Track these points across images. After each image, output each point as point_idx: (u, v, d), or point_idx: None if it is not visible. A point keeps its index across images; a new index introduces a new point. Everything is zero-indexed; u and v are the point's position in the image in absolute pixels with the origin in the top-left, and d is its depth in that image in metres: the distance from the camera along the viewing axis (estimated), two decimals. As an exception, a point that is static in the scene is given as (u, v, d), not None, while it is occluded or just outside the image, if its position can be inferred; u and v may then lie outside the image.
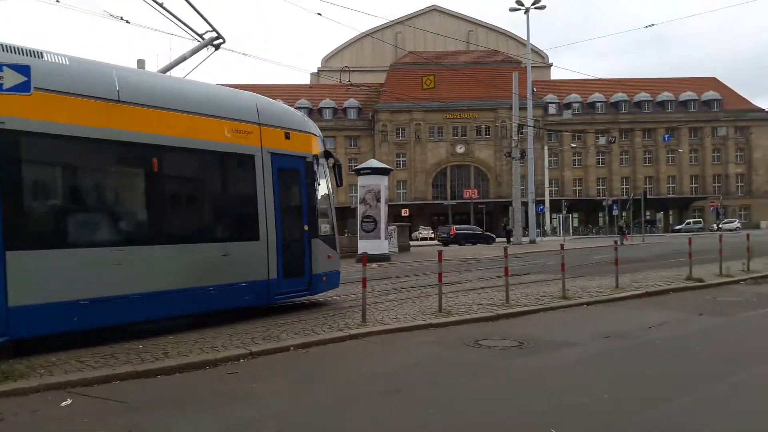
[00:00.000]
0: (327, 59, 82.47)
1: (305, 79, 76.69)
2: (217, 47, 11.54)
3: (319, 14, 19.23)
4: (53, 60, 7.46)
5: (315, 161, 10.72)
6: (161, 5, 10.71)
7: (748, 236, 17.19)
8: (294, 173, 10.36)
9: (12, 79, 6.35)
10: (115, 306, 7.64)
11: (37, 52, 7.37)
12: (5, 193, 6.80)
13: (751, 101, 76.07)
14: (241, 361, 6.87)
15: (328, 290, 11.08)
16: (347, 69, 14.23)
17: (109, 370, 6.27)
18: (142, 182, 8.42)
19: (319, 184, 10.85)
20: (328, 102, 70.75)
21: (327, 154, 11.36)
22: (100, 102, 7.69)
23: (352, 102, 70.42)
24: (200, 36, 11.39)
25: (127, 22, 14.18)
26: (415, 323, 8.88)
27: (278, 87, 67.01)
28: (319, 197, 10.90)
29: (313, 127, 11.12)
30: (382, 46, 72.76)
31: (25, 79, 6.37)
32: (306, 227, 10.40)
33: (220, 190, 9.67)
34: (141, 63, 13.24)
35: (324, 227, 10.99)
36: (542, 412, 5.00)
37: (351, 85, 21.19)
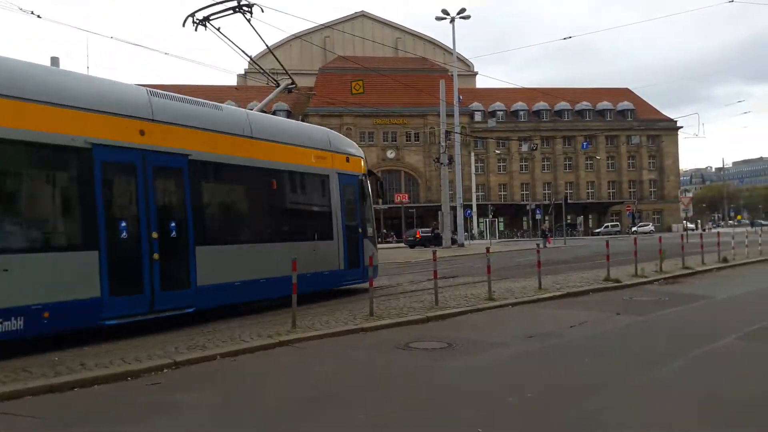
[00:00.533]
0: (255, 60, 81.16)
1: (232, 81, 75.30)
2: (290, 90, 15.34)
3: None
4: (220, 111, 10.84)
5: (364, 178, 13.96)
6: (262, 69, 14.44)
7: (660, 239, 18.26)
8: (352, 188, 13.53)
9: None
10: (253, 287, 10.59)
11: (219, 105, 11.08)
12: (197, 210, 9.79)
13: (662, 111, 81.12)
14: (165, 371, 6.63)
15: (374, 277, 11.60)
16: (275, 71, 14.06)
17: (21, 384, 5.89)
18: (266, 197, 11.38)
19: (366, 197, 14.01)
20: (256, 104, 69.64)
21: (369, 173, 14.48)
22: (244, 138, 10.77)
23: (281, 105, 69.51)
24: (276, 82, 15.00)
25: (39, 17, 13.52)
26: (346, 328, 8.87)
27: (203, 88, 65.26)
28: (366, 207, 14.03)
29: (361, 151, 14.36)
30: (311, 49, 72.49)
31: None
32: (360, 230, 13.63)
33: (310, 202, 12.75)
34: (55, 61, 12.65)
35: (369, 230, 14.04)
36: (470, 413, 5.11)
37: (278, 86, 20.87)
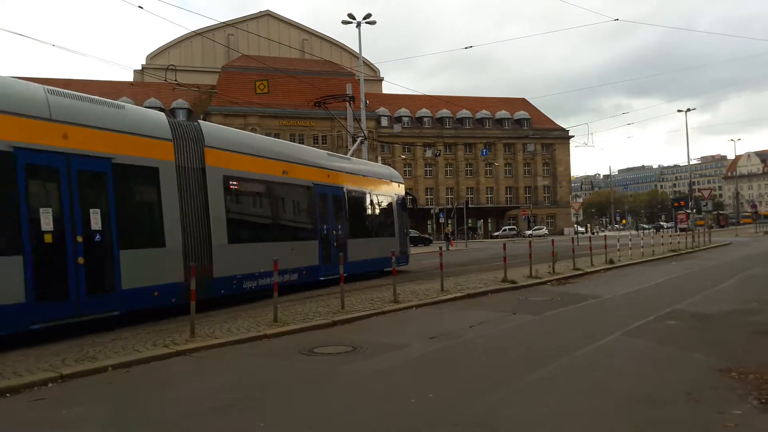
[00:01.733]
0: (152, 57, 77.68)
1: (128, 76, 71.62)
2: (362, 142, 25.75)
3: (141, 7, 17.92)
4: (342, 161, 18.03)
5: (405, 196, 22.30)
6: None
7: (553, 242, 19.31)
8: (402, 204, 21.51)
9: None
10: (355, 264, 17.19)
11: (332, 155, 17.58)
12: (323, 214, 15.97)
13: (555, 121, 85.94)
14: (50, 385, 6.19)
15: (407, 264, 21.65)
16: (174, 68, 13.54)
17: None
18: (366, 209, 19.01)
19: (406, 209, 22.06)
20: (154, 101, 66.50)
21: (407, 193, 23.26)
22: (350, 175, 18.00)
23: (180, 103, 66.99)
24: (353, 137, 24.04)
25: None
26: (249, 335, 8.68)
27: (96, 83, 61.71)
28: (406, 216, 22.13)
29: (401, 178, 22.62)
30: (213, 47, 70.44)
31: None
32: (405, 231, 21.78)
33: (383, 214, 20.24)
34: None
35: (406, 231, 22.16)
36: (372, 415, 5.15)
37: (178, 84, 20.15)
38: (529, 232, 68.02)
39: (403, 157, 74.28)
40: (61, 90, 9.40)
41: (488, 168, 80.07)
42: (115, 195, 9.58)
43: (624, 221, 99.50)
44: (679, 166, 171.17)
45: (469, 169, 79.76)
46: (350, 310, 10.81)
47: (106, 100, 10.25)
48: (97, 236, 9.21)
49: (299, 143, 69.89)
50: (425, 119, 78.10)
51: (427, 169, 77.37)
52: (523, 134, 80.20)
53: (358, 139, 24.27)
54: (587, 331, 8.97)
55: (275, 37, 70.70)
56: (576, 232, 45.46)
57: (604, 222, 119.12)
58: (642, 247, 25.98)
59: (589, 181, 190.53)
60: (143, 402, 5.78)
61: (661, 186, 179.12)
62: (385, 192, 20.18)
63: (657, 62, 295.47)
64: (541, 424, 4.87)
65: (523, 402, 5.50)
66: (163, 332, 8.92)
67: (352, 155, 22.06)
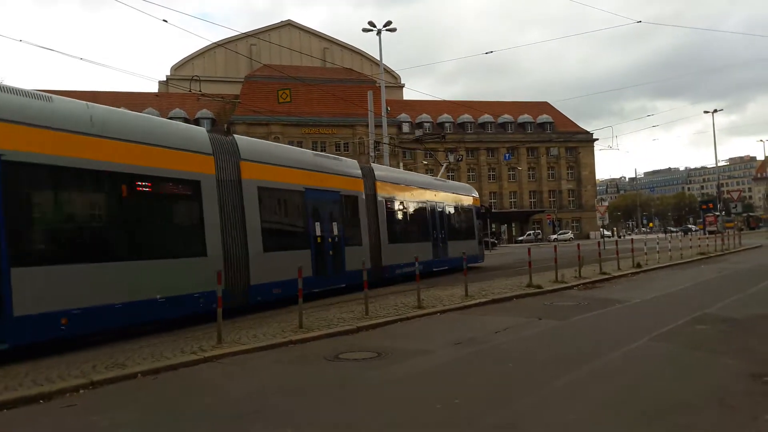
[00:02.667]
0: (177, 68, 78.94)
1: (153, 88, 72.87)
2: (458, 160, 46.34)
3: (165, 21, 18.31)
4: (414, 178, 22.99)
5: (481, 209, 27.39)
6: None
7: (578, 246, 19.10)
8: (478, 213, 26.44)
9: None
10: (452, 260, 21.80)
11: (372, 168, 19.01)
12: (370, 221, 17.55)
13: (578, 124, 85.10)
14: (81, 391, 6.31)
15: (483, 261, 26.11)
16: (198, 78, 13.76)
17: None
18: (440, 216, 22.33)
19: (479, 218, 26.80)
20: (179, 112, 67.56)
21: (482, 205, 28.91)
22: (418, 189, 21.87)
23: (205, 113, 67.94)
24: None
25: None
26: (275, 341, 8.73)
27: (122, 94, 62.91)
28: (480, 223, 27.12)
29: (476, 192, 27.97)
30: (236, 58, 71.29)
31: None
32: (481, 235, 27.02)
33: (464, 221, 24.91)
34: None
35: (481, 235, 27.47)
36: (398, 421, 5.15)
37: (202, 95, 20.43)
38: (554, 236, 67.34)
39: (425, 162, 74.10)
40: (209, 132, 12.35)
41: (511, 172, 79.57)
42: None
43: (651, 224, 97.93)
44: (706, 168, 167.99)
45: (491, 173, 79.37)
46: (374, 316, 10.82)
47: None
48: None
49: (321, 151, 70.71)
50: (447, 124, 77.95)
51: (450, 174, 77.02)
52: (546, 138, 79.55)
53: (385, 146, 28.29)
54: (615, 336, 8.85)
55: (297, 47, 71.36)
56: (602, 236, 44.89)
57: (630, 225, 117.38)
58: (670, 250, 25.56)
59: (615, 184, 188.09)
60: (171, 408, 5.86)
61: (689, 188, 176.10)
62: (468, 206, 25.71)
63: (681, 64, 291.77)
64: (571, 431, 4.81)
65: (551, 408, 5.45)
66: (190, 339, 9.03)
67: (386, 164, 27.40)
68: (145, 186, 10.14)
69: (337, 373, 7.05)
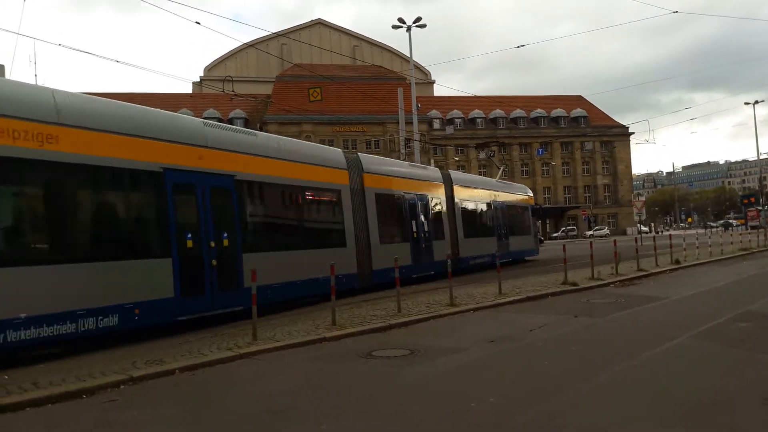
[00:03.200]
0: (210, 69, 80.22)
1: (187, 88, 74.14)
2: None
3: (198, 23, 18.67)
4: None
5: (536, 206, 30.73)
6: None
7: (615, 242, 18.78)
8: (533, 211, 29.62)
9: None
10: (515, 253, 25.98)
11: (450, 174, 22.52)
12: (449, 219, 20.72)
13: (613, 117, 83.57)
14: (122, 387, 6.48)
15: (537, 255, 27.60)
16: (231, 79, 14.04)
17: (-33, 407, 5.68)
18: (503, 214, 25.51)
19: (533, 214, 29.62)
20: (213, 112, 68.59)
21: (536, 203, 32.21)
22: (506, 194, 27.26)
23: (238, 113, 68.85)
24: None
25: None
26: (309, 338, 8.82)
27: (157, 95, 64.11)
28: (535, 219, 30.35)
29: (531, 192, 31.44)
30: (267, 58, 72.01)
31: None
32: (536, 230, 31.13)
33: (522, 218, 28.11)
34: (0, 69, 12.34)
35: (536, 231, 31.41)
36: (432, 419, 5.16)
37: (235, 95, 20.73)
38: (590, 232, 66.35)
39: (456, 159, 73.75)
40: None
41: (545, 168, 78.63)
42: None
43: (690, 219, 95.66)
44: (747, 161, 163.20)
45: (525, 169, 78.53)
46: (407, 313, 10.84)
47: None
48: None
49: (352, 148, 71.10)
50: (478, 120, 77.46)
51: (481, 171, 76.49)
52: (580, 132, 78.35)
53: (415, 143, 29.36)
54: (653, 333, 8.69)
55: (327, 45, 71.72)
56: (639, 232, 44.04)
57: (668, 221, 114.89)
58: (710, 246, 24.94)
59: (652, 179, 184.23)
60: (209, 404, 5.98)
61: (729, 182, 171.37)
62: (524, 204, 28.91)
63: (718, 54, 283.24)
64: (606, 430, 4.76)
65: (587, 406, 5.39)
66: (226, 336, 9.19)
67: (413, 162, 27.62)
68: (312, 194, 14.25)
69: (371, 370, 7.09)
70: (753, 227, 49.07)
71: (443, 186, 20.67)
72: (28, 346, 7.74)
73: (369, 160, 17.46)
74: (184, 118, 12.17)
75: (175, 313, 9.78)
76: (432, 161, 58.29)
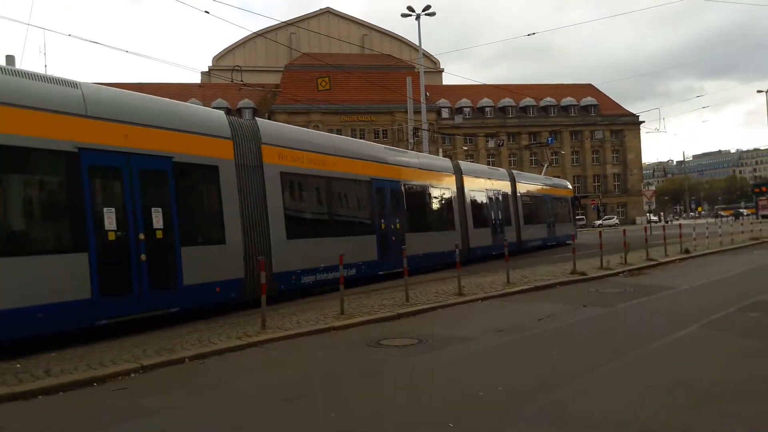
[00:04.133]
0: (218, 58, 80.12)
1: (195, 78, 74.19)
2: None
3: (207, 12, 18.59)
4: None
5: (574, 198, 35.16)
6: None
7: (624, 232, 18.67)
8: (572, 201, 34.09)
9: None
10: (558, 238, 30.35)
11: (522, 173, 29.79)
12: (514, 210, 25.72)
13: (623, 106, 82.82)
14: (132, 375, 6.54)
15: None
16: (239, 68, 14.05)
17: (-19, 394, 5.74)
18: (560, 207, 31.73)
19: (573, 205, 34.45)
20: (221, 102, 68.62)
21: (575, 195, 37.13)
22: (551, 188, 31.62)
23: (246, 102, 68.85)
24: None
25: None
26: (317, 327, 8.85)
27: (165, 86, 64.16)
28: (573, 209, 34.46)
29: (570, 185, 36.90)
30: (276, 47, 71.80)
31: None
32: (575, 219, 35.59)
33: (565, 209, 32.38)
34: (10, 59, 12.37)
35: (575, 219, 35.78)
36: (441, 408, 5.17)
37: (244, 84, 20.71)
38: (599, 222, 66.00)
39: (465, 148, 73.49)
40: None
41: (554, 157, 78.08)
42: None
43: (700, 209, 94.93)
44: (759, 149, 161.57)
45: (534, 158, 78.10)
46: (415, 302, 10.85)
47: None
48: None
49: (360, 138, 71.10)
50: (487, 109, 77.00)
51: (490, 160, 76.21)
52: (590, 121, 77.75)
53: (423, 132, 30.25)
54: (663, 323, 8.65)
55: (335, 34, 71.36)
56: (649, 221, 43.76)
57: (678, 210, 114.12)
58: (720, 235, 24.75)
59: (662, 168, 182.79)
60: (218, 392, 6.02)
61: (740, 171, 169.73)
62: (566, 196, 33.24)
63: (730, 42, 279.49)
64: (615, 420, 4.75)
65: (596, 395, 5.38)
66: (235, 325, 9.23)
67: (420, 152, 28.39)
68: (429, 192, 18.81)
69: (379, 359, 7.10)
70: (764, 216, 48.65)
71: (510, 183, 25.60)
72: None
73: (468, 168, 22.97)
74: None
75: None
76: (440, 151, 58.17)
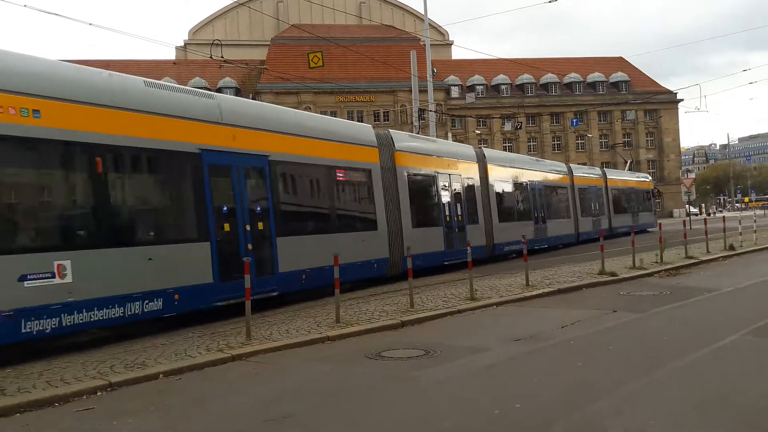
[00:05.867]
0: (195, 31, 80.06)
1: (170, 54, 74.10)
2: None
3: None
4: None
5: (654, 190, 46.10)
6: None
7: (660, 225, 18.66)
8: (652, 193, 43.53)
9: None
10: (638, 226, 34.19)
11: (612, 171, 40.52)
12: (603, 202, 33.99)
13: (659, 82, 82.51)
14: (99, 393, 6.54)
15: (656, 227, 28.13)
16: (219, 42, 14.03)
17: (-74, 416, 5.75)
18: (643, 198, 40.84)
19: (653, 197, 45.70)
20: (199, 81, 68.50)
21: (654, 187, 47.00)
22: (629, 179, 40.50)
23: (227, 81, 68.78)
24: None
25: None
26: (310, 337, 8.86)
27: (135, 62, 64.19)
28: (654, 201, 46.28)
29: (649, 177, 48.32)
30: (261, 18, 71.71)
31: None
32: (654, 209, 45.77)
33: (646, 200, 41.03)
34: None
35: (654, 209, 45.65)
36: (450, 429, 5.16)
37: (224, 61, 20.65)
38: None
39: (478, 132, 73.27)
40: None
41: (580, 141, 77.96)
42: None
43: (747, 199, 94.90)
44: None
45: (556, 143, 77.97)
46: (420, 308, 10.85)
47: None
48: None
49: (359, 121, 70.93)
50: (503, 87, 76.83)
51: (507, 144, 76.08)
52: (621, 100, 77.43)
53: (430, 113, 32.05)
54: (704, 330, 8.65)
55: (329, 3, 71.15)
56: (688, 214, 43.72)
57: (722, 201, 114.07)
58: (770, 229, 24.72)
59: (703, 153, 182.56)
60: (197, 412, 6.02)
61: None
62: (647, 189, 40.81)
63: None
64: (649, 440, 4.73)
65: (627, 414, 5.36)
66: (216, 335, 9.24)
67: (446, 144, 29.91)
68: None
69: (379, 373, 7.10)
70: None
71: (602, 179, 34.15)
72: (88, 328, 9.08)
73: (577, 170, 31.97)
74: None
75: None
76: (450, 135, 58.15)
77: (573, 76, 77.81)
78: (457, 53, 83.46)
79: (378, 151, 16.26)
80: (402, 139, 18.14)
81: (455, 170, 19.90)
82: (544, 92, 77.75)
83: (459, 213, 19.86)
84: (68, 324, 8.44)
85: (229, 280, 10.81)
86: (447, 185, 19.39)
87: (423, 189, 18.65)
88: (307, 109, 64.21)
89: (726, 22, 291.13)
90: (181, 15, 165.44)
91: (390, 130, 18.68)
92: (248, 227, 11.62)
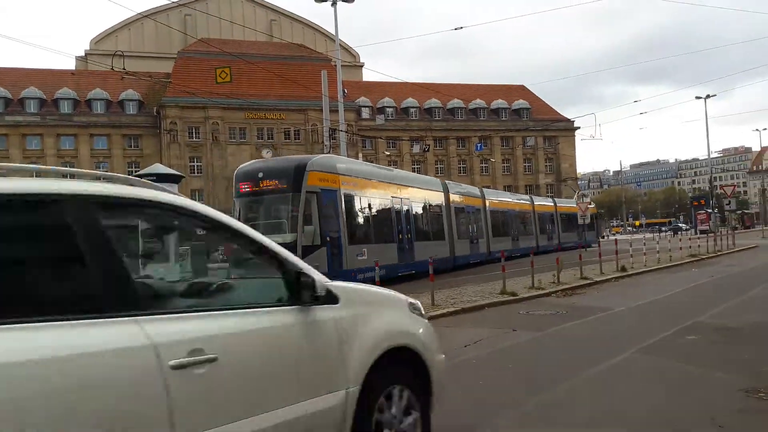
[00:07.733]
0: (97, 41, 77.14)
1: (69, 64, 70.94)
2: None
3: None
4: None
5: (595, 215, 49.18)
6: None
7: (558, 247, 19.36)
8: (596, 216, 51.44)
9: None
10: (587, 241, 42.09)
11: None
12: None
13: (558, 111, 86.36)
14: None
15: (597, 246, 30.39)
16: (121, 54, 13.49)
17: None
18: (565, 219, 46.75)
19: (597, 220, 56.76)
20: (99, 93, 66.00)
21: (598, 212, 56.72)
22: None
23: (130, 94, 66.47)
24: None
25: None
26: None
27: (33, 71, 61.06)
28: (598, 222, 59.52)
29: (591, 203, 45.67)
30: (168, 31, 69.95)
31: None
32: (598, 229, 60.28)
33: (592, 222, 41.57)
34: None
35: (598, 229, 56.52)
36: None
37: (126, 73, 19.94)
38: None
39: (387, 153, 73.98)
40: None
41: (484, 165, 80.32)
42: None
43: (637, 222, 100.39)
44: (698, 159, 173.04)
45: (462, 166, 79.95)
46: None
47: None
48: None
49: (268, 139, 70.24)
50: (412, 110, 78.19)
51: (415, 166, 77.19)
52: (522, 126, 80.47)
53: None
54: (597, 348, 8.95)
55: (239, 19, 70.48)
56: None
57: (615, 224, 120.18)
58: (658, 252, 26.18)
59: (598, 178, 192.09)
60: None
61: (679, 182, 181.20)
62: (527, 210, 41.29)
63: (662, 45, 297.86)
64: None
65: (525, 430, 5.44)
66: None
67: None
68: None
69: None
70: (702, 232, 51.92)
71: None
72: None
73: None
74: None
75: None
76: (360, 155, 58.39)
77: (478, 102, 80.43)
78: (368, 75, 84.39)
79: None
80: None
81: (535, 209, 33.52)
82: (450, 117, 79.78)
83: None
84: None
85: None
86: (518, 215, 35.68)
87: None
88: (215, 125, 62.94)
89: (614, 58, 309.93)
90: (83, 24, 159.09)
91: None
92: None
